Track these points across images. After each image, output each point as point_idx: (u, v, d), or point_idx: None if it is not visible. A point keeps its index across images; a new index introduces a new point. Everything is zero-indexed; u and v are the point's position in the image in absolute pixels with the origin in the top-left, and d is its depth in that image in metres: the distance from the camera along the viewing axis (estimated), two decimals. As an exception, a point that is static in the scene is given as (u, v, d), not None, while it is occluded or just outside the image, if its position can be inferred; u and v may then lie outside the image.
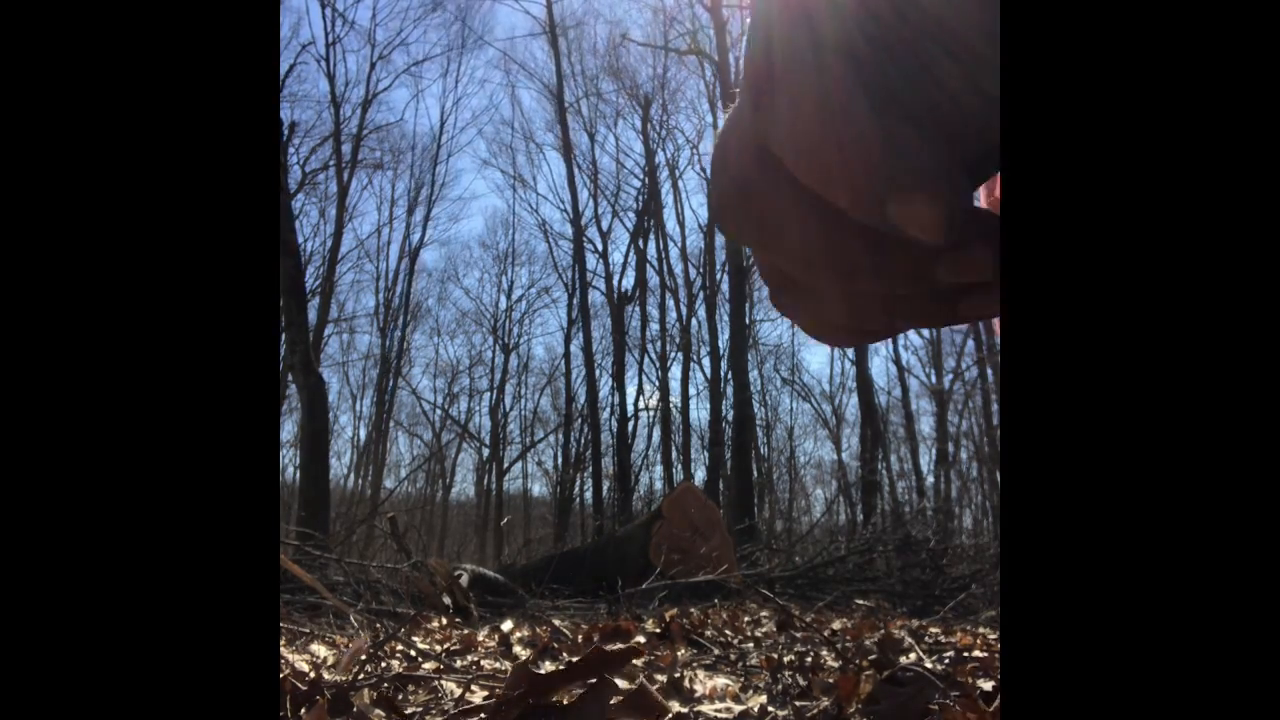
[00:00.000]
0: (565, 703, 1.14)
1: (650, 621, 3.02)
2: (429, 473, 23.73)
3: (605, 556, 7.00)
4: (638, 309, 20.55)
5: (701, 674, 1.91)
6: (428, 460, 23.30)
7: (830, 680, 1.62)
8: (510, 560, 10.68)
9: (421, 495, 23.46)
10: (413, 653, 1.99)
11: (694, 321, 20.44)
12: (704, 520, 6.23)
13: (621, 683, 1.22)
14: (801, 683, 1.75)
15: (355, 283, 22.66)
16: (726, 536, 6.39)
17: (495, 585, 5.86)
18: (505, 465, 22.23)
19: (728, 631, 2.93)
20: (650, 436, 20.92)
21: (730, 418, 15.67)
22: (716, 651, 2.32)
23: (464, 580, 5.11)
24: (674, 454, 19.50)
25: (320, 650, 2.30)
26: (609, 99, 21.80)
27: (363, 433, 22.36)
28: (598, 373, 18.88)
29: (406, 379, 22.69)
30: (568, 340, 21.09)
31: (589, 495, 19.37)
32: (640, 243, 20.52)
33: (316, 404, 8.32)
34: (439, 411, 23.31)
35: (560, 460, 21.04)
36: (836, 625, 3.29)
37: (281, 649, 2.57)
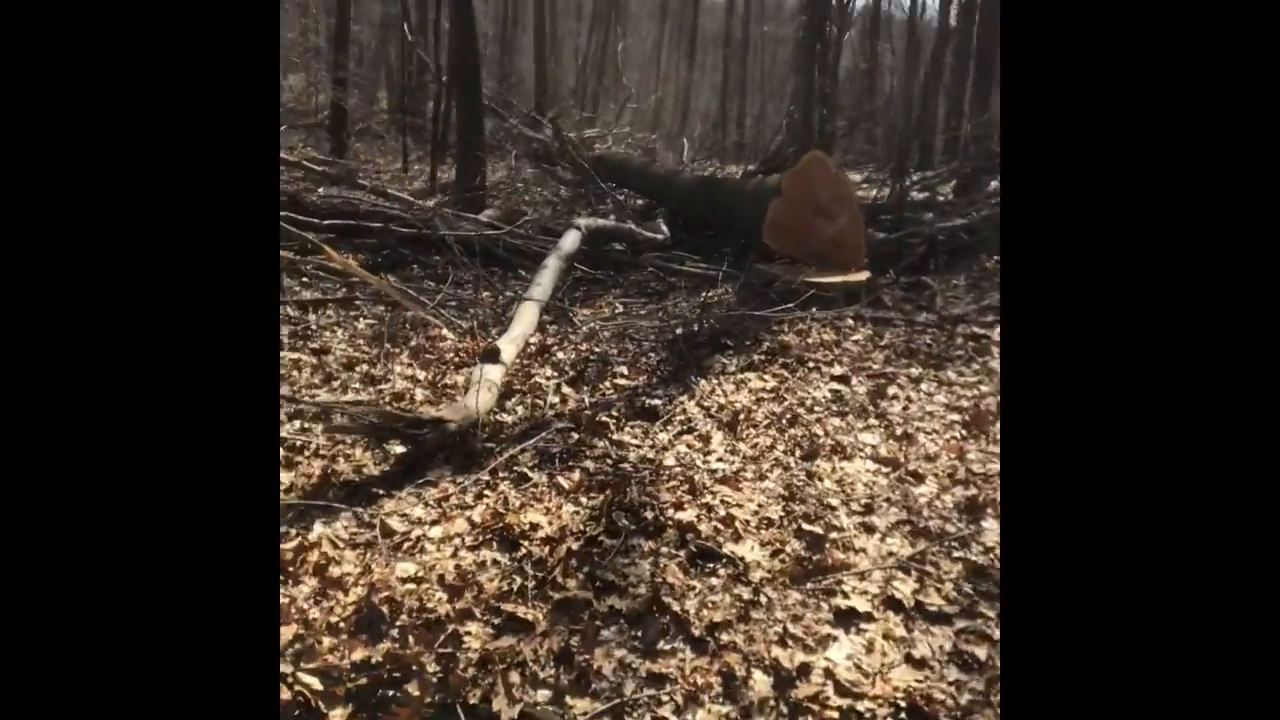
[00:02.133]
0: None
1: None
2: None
3: (707, 201, 7.03)
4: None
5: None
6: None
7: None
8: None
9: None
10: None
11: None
12: (832, 198, 5.72)
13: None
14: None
15: None
16: (857, 216, 5.85)
17: (614, 234, 6.25)
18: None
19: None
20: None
21: None
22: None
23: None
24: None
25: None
26: None
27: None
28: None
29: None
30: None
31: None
32: None
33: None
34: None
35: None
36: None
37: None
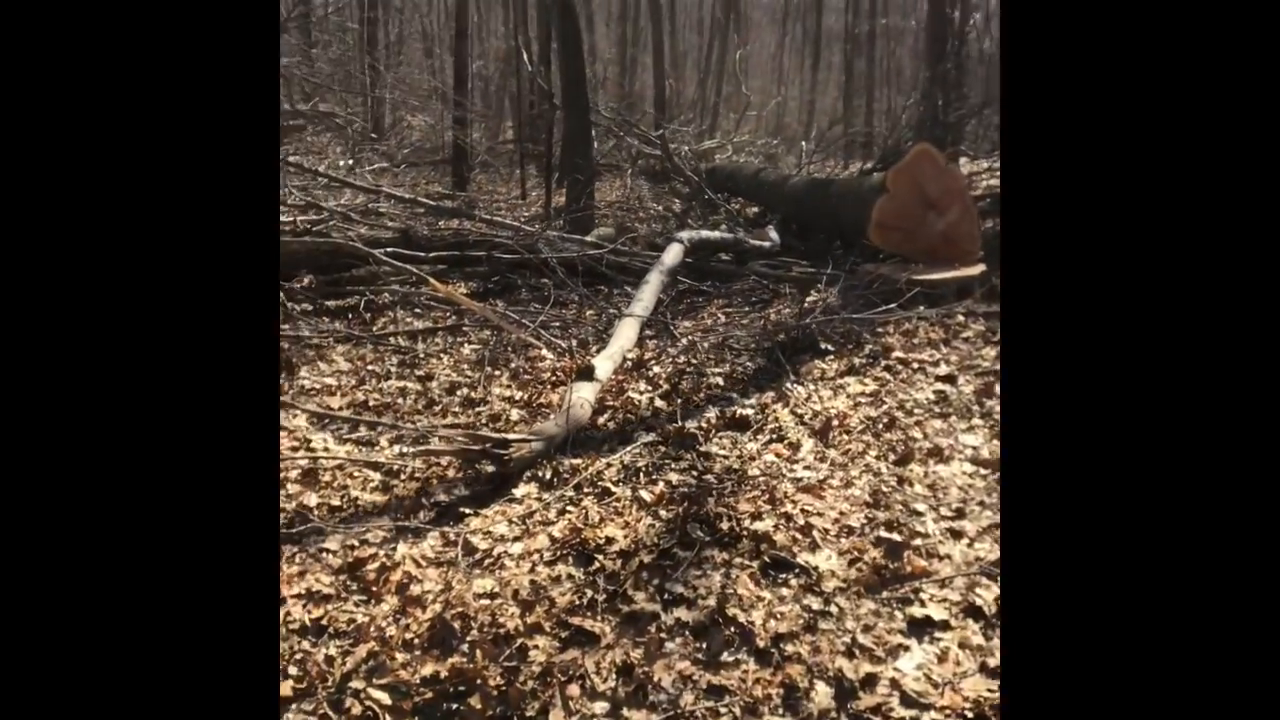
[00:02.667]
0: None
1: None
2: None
3: (815, 204, 6.94)
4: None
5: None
6: None
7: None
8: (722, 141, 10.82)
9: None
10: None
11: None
12: (942, 191, 5.60)
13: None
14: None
15: None
16: (970, 208, 5.71)
17: (718, 245, 6.27)
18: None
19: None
20: None
21: None
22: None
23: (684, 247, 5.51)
24: None
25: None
26: None
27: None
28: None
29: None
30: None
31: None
32: None
33: (567, 22, 8.44)
34: None
35: None
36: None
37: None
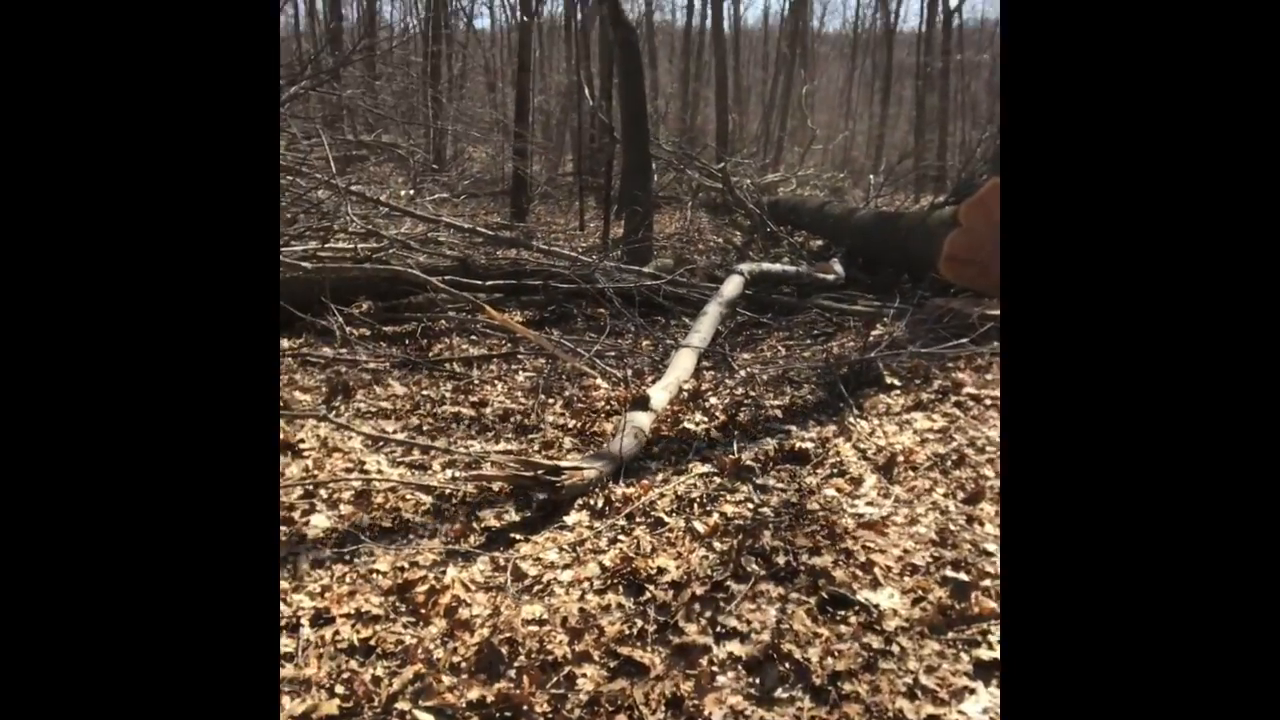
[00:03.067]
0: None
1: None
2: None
3: (883, 238, 6.91)
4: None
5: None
6: None
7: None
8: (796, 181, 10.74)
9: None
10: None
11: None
12: None
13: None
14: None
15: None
16: None
17: (779, 277, 6.26)
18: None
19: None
20: None
21: None
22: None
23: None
24: None
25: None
26: None
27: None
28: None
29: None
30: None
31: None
32: None
33: (629, 58, 8.62)
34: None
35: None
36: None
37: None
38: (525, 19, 12.72)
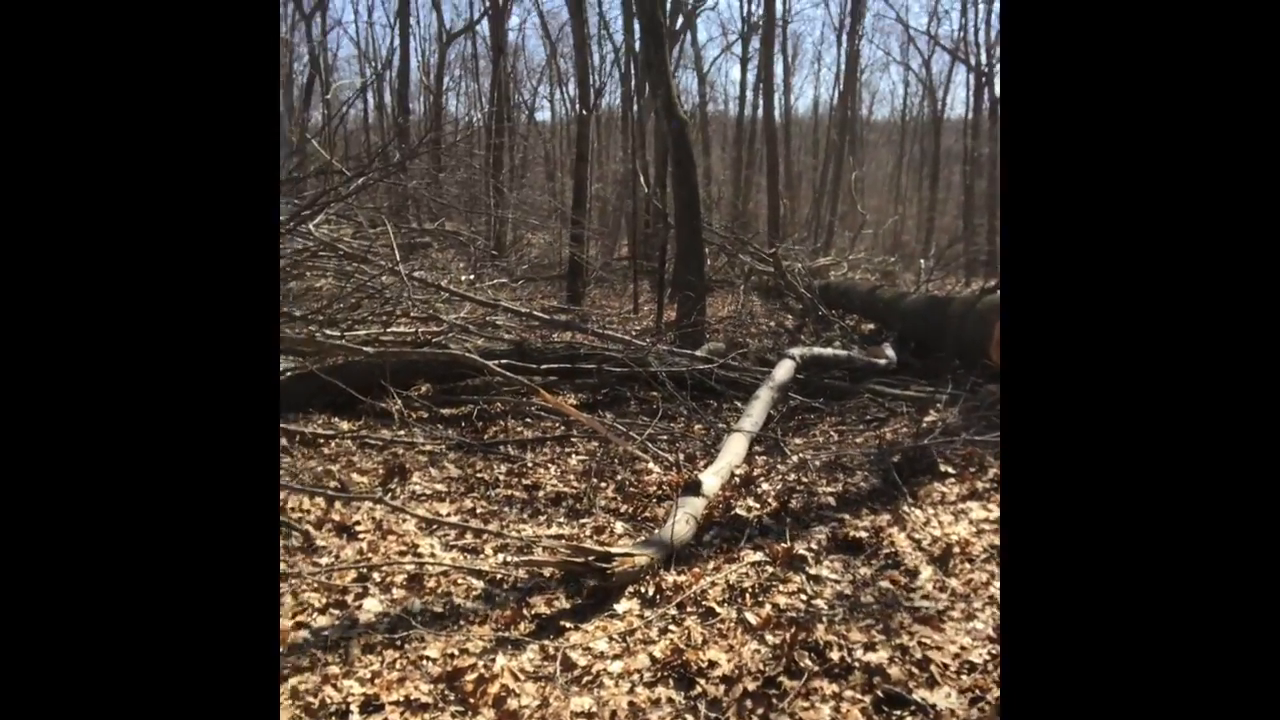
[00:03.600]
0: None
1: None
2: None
3: (934, 322, 6.85)
4: None
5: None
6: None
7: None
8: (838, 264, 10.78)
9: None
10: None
11: None
12: None
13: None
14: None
15: None
16: None
17: (831, 362, 6.22)
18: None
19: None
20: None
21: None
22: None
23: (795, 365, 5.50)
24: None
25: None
26: None
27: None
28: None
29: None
30: None
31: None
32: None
33: (681, 148, 8.80)
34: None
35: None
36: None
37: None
38: (584, 112, 13.12)
